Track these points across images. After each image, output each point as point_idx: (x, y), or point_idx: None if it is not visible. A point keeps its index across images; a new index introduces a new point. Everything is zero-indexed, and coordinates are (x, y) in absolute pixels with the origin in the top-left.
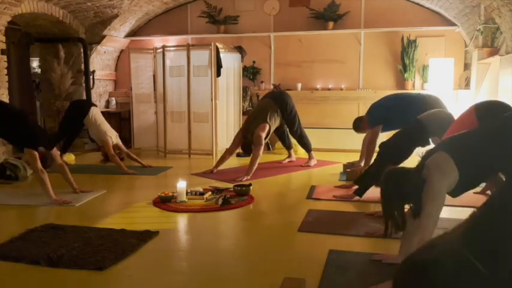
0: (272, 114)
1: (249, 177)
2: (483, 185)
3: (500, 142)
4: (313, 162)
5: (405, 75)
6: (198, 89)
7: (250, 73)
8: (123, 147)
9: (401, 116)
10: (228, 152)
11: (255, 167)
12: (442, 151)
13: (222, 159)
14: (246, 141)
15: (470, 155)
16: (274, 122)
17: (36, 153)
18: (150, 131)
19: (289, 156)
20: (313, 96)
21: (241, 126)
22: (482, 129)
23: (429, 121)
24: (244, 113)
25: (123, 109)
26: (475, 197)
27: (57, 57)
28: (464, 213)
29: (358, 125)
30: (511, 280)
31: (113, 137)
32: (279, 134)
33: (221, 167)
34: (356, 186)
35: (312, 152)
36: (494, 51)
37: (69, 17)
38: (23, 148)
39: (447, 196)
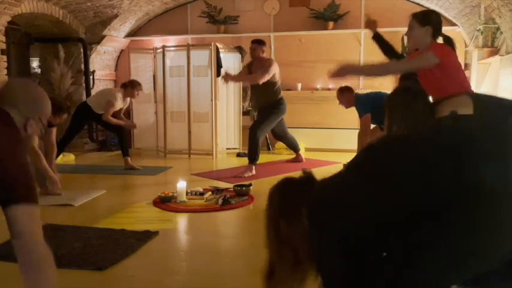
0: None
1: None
2: None
3: None
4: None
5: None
6: (198, 89)
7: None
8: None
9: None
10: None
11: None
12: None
13: None
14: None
15: None
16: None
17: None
18: (150, 131)
19: (297, 158)
20: (314, 96)
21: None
22: None
23: None
24: (244, 113)
25: None
26: None
27: (57, 57)
28: None
29: (343, 92)
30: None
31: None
32: (278, 136)
33: (221, 167)
34: None
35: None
36: (494, 51)
37: (69, 17)
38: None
39: None
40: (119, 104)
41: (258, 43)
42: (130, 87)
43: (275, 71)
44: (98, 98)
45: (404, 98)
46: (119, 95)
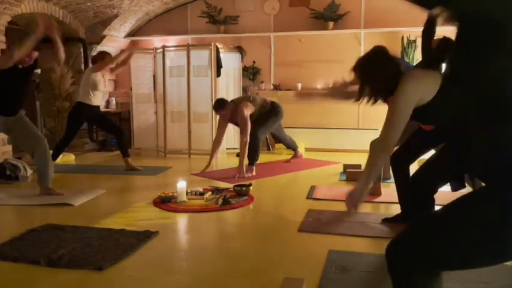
0: (255, 100)
1: (251, 172)
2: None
3: None
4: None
5: None
6: (198, 89)
7: (250, 73)
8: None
9: None
10: (215, 142)
11: (245, 155)
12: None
13: (213, 151)
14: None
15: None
16: (258, 109)
17: None
18: (150, 131)
19: (295, 155)
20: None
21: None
22: None
23: None
24: None
25: (123, 109)
26: None
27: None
28: None
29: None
30: None
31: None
32: (277, 138)
33: (221, 167)
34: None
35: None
36: None
37: (69, 17)
38: None
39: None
40: (99, 77)
41: (221, 107)
42: (99, 59)
43: (249, 112)
44: (81, 87)
45: None
46: (94, 72)
